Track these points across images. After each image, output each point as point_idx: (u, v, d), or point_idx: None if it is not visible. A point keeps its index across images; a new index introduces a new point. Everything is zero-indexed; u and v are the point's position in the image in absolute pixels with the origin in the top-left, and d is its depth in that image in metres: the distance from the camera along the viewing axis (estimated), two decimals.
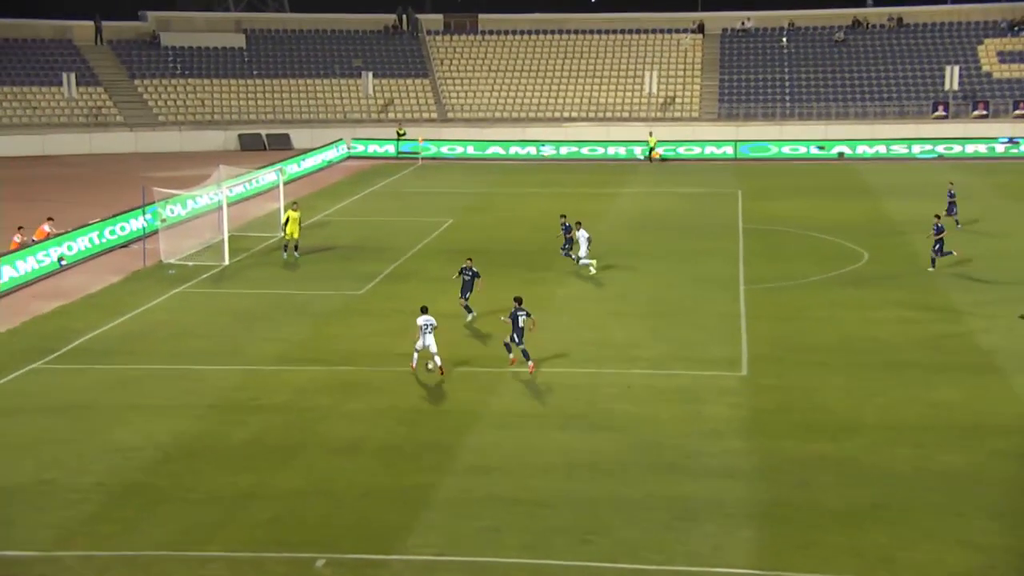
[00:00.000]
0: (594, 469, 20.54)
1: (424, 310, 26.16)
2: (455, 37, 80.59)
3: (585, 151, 67.32)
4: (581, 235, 35.98)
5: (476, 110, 74.94)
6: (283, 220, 39.31)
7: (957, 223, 41.86)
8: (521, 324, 26.09)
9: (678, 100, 74.42)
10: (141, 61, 75.45)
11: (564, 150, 67.31)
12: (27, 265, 35.82)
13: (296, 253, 38.89)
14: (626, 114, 73.72)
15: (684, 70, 76.48)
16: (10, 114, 69.36)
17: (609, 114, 73.86)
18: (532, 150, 67.33)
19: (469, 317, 30.67)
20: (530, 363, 26.01)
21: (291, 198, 43.82)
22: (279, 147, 69.36)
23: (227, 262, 37.94)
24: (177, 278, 36.10)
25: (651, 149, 65.09)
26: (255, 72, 76.27)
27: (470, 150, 68.18)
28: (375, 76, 74.83)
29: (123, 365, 27.08)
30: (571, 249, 36.47)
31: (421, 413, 23.57)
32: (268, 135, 71.14)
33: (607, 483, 19.96)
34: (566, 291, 34.14)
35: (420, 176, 61.04)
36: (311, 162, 62.73)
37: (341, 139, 68.36)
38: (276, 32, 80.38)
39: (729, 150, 66.06)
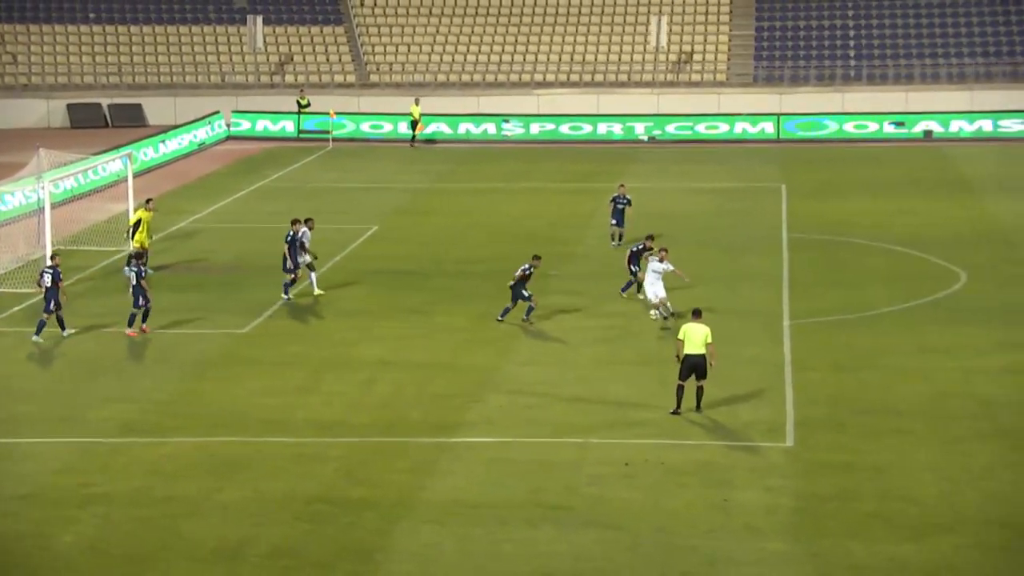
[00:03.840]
0: None
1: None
2: None
3: (565, 129, 67.76)
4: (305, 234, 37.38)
5: (410, 71, 75.04)
6: (132, 222, 39.47)
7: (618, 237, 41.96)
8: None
9: (697, 57, 74.95)
10: None
11: (536, 128, 67.70)
12: None
13: (147, 268, 39.05)
14: (624, 77, 74.09)
15: (706, 14, 77.06)
16: None
17: (600, 78, 74.18)
18: (490, 128, 67.63)
19: None
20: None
21: (146, 195, 43.70)
22: (127, 123, 69.22)
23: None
24: None
25: (415, 124, 65.73)
26: (91, 15, 76.05)
27: (402, 128, 68.27)
28: (267, 22, 74.80)
29: None
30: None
31: (331, 503, 23.50)
32: (111, 106, 71.01)
33: None
34: (539, 328, 34.30)
35: (331, 165, 61.11)
36: (174, 145, 62.64)
37: (217, 112, 68.32)
38: None
39: (769, 127, 66.78)
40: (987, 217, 47.37)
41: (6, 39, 73.94)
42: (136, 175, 47.04)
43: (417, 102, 66.45)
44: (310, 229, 37.83)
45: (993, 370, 30.48)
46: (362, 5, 78.47)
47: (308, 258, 37.19)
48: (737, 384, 29.62)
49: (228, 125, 68.46)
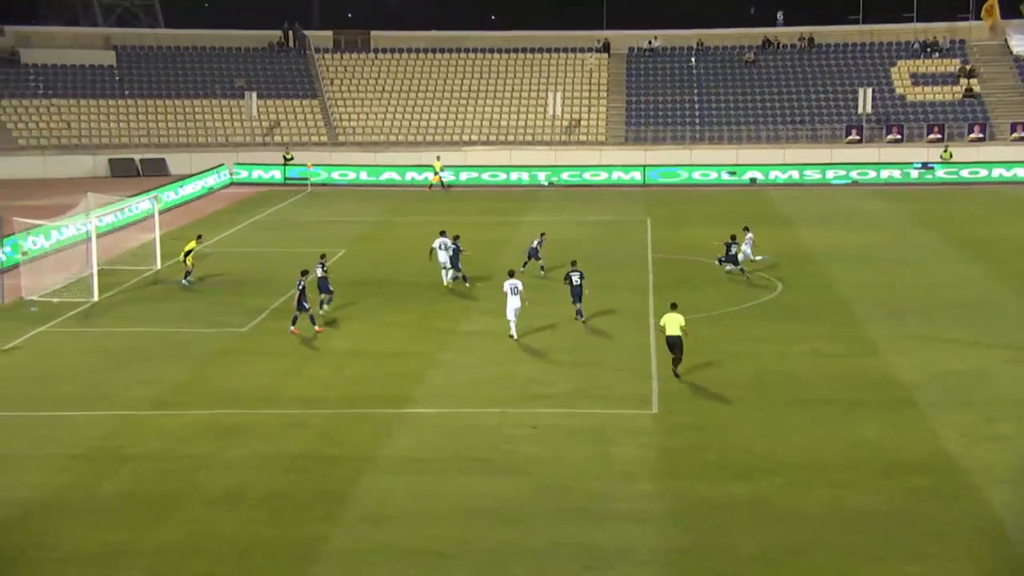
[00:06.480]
0: (497, 516, 20.52)
1: None
2: (346, 55, 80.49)
3: (486, 176, 67.75)
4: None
5: (369, 133, 74.85)
6: (185, 249, 39.85)
7: (525, 265, 40.63)
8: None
9: (583, 123, 75.37)
10: None
11: (464, 175, 67.58)
12: None
13: (191, 280, 39.80)
14: (529, 138, 74.38)
15: (589, 91, 77.54)
16: None
17: (511, 138, 74.42)
18: (430, 176, 67.41)
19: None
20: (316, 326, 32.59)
21: (167, 228, 43.30)
22: (154, 173, 68.36)
23: (96, 298, 37.15)
24: (40, 316, 35.20)
25: (437, 174, 65.46)
26: (127, 92, 75.10)
27: (363, 176, 68.02)
28: (259, 97, 74.28)
29: None
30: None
31: (309, 459, 23.32)
32: (142, 160, 70.04)
33: (511, 531, 19.95)
34: (468, 326, 34.19)
35: (309, 204, 60.65)
36: (190, 189, 61.90)
37: (223, 164, 67.62)
38: (149, 49, 79.28)
39: (637, 175, 67.12)
40: (796, 242, 47.91)
41: (62, 110, 72.86)
42: (161, 212, 46.48)
43: (439, 158, 66.18)
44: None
45: (800, 354, 30.81)
46: (331, 84, 78.13)
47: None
48: (616, 366, 29.76)
49: (231, 174, 67.77)
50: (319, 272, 35.14)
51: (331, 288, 35.11)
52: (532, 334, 32.99)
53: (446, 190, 65.06)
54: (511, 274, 33.13)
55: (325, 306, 34.90)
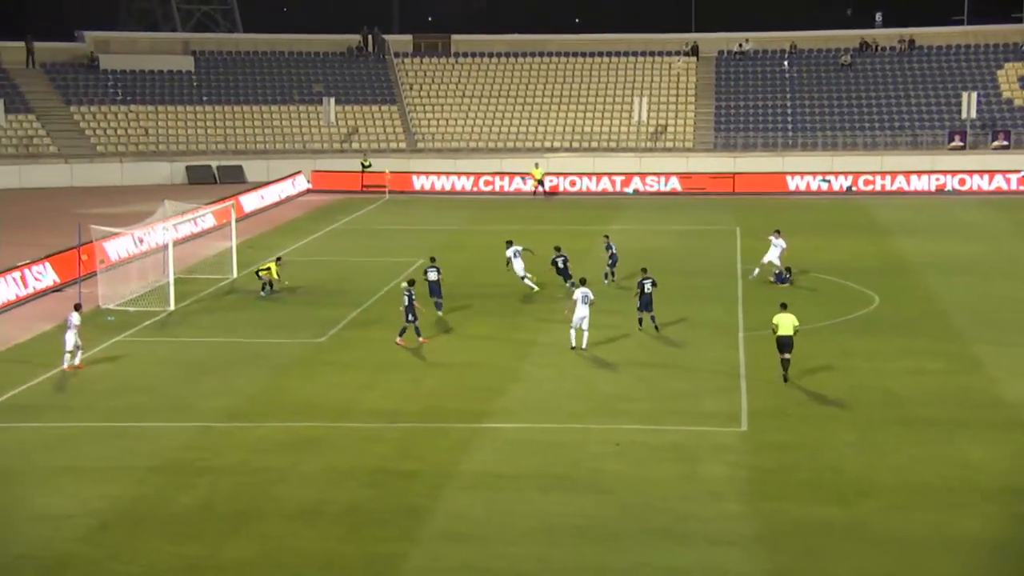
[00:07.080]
0: (579, 535, 20.47)
1: (77, 307, 31.50)
2: (426, 60, 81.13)
3: (569, 184, 67.72)
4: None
5: (449, 139, 75.33)
6: (263, 268, 40.38)
7: (609, 276, 40.71)
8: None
9: (670, 129, 75.02)
10: (78, 86, 75.55)
11: (546, 183, 67.60)
12: None
13: (275, 289, 40.19)
14: (613, 144, 74.24)
15: (677, 96, 77.18)
16: None
17: (595, 144, 74.36)
18: (507, 183, 67.58)
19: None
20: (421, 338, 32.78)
21: (244, 236, 43.88)
22: (231, 180, 69.38)
23: (172, 307, 37.83)
24: (117, 325, 35.96)
25: (538, 182, 65.52)
26: (204, 98, 76.51)
27: (442, 182, 68.35)
28: (338, 102, 75.17)
29: (55, 423, 26.88)
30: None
31: (388, 474, 23.48)
32: (219, 167, 71.20)
33: (594, 551, 19.89)
34: (548, 338, 34.16)
35: (387, 211, 61.20)
36: (267, 196, 62.79)
37: (300, 171, 68.48)
38: (228, 54, 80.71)
39: (726, 183, 66.59)
40: (894, 252, 47.22)
41: (140, 116, 74.38)
42: (238, 220, 47.16)
43: (537, 164, 66.61)
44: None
45: (898, 371, 30.33)
46: (411, 89, 78.78)
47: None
48: (703, 381, 29.53)
49: (308, 181, 68.63)
50: (433, 275, 35.94)
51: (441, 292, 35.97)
52: (609, 344, 32.93)
53: (545, 197, 65.10)
54: (583, 282, 33.13)
55: (438, 312, 35.75)
